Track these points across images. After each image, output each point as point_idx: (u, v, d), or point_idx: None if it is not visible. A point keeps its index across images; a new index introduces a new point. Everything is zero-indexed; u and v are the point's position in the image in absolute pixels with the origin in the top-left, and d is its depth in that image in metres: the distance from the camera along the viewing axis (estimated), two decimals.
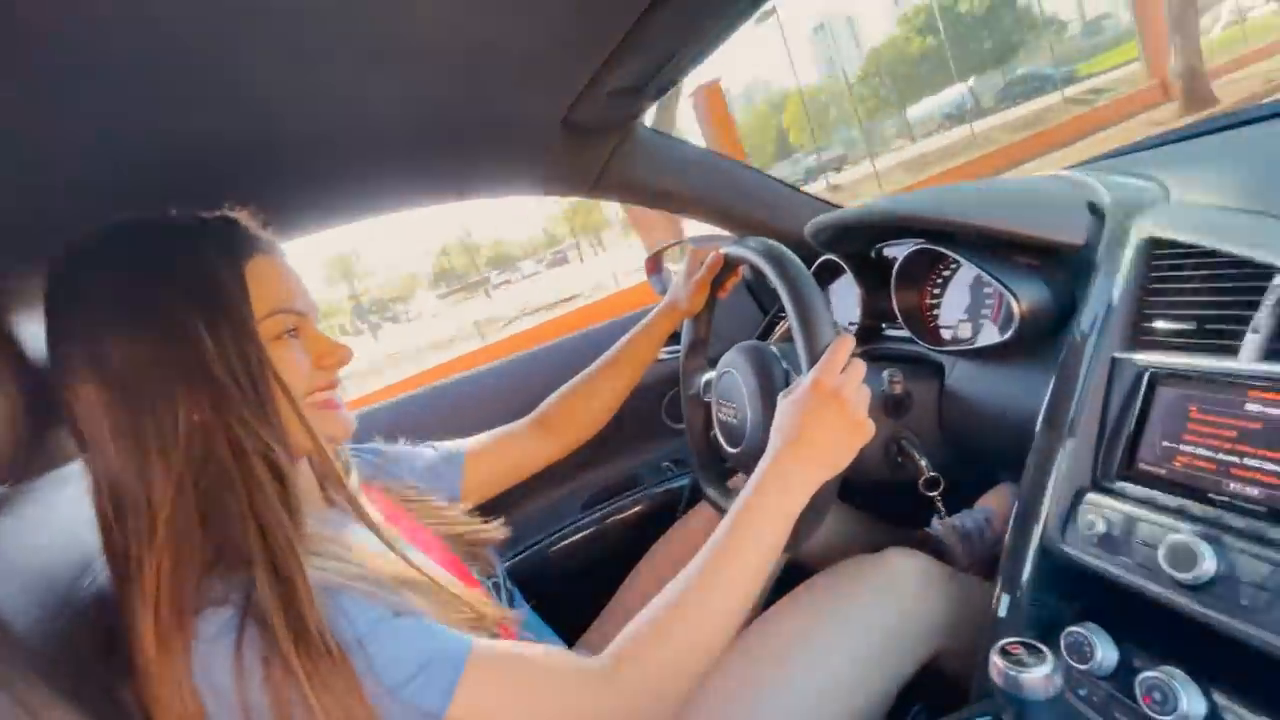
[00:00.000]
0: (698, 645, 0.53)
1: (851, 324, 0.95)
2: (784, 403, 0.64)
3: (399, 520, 0.67)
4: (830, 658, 0.69)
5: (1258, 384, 0.48)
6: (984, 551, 1.12)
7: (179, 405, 0.48)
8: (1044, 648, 0.46)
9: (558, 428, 0.89)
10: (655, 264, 1.32)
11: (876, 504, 1.11)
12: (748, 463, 0.81)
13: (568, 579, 1.12)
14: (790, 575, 0.89)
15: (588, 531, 1.14)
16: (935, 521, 1.16)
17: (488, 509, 0.78)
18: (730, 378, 0.82)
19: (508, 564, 1.10)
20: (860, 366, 0.63)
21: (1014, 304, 0.67)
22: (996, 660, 0.46)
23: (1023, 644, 0.47)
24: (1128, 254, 0.64)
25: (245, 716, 0.44)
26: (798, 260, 0.69)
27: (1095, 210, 0.72)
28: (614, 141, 0.91)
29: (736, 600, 0.55)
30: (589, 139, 0.88)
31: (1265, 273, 0.50)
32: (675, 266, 1.34)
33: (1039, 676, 0.44)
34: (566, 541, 1.13)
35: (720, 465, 0.96)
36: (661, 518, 1.21)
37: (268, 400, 0.51)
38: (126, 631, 0.46)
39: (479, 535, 0.75)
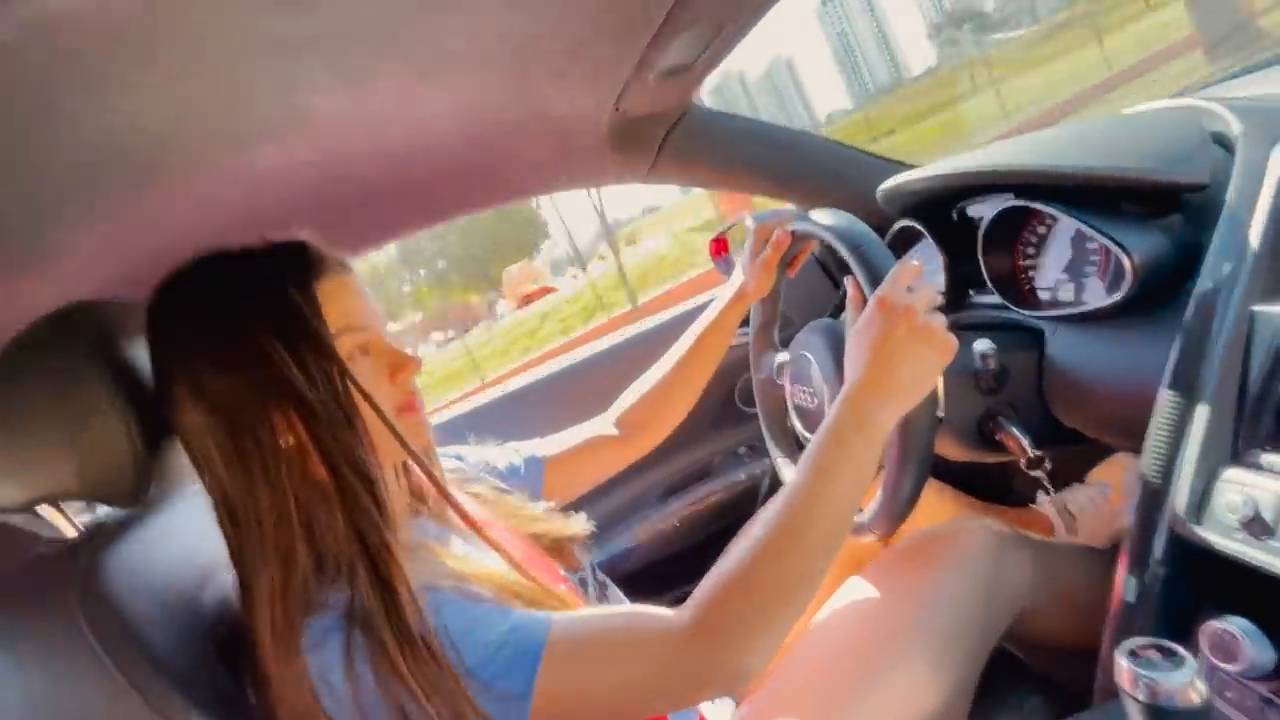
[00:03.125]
0: (783, 591, 0.51)
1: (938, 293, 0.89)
2: (850, 336, 0.59)
3: (481, 521, 0.69)
4: (908, 641, 0.65)
5: None
6: (1102, 527, 1.02)
7: (275, 428, 0.51)
8: (1181, 650, 0.41)
9: (637, 428, 0.88)
10: (721, 246, 1.28)
11: (971, 483, 1.04)
12: None
13: (653, 570, 1.12)
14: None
15: (670, 522, 1.14)
16: (1041, 498, 1.08)
17: (568, 504, 0.79)
18: (804, 360, 0.78)
19: (594, 558, 1.12)
20: (930, 288, 0.57)
21: (1125, 260, 0.60)
22: (1125, 664, 0.41)
23: (1155, 645, 0.42)
24: (1266, 190, 0.55)
25: (361, 715, 0.46)
26: (864, 225, 0.65)
27: (1222, 141, 0.62)
28: (669, 123, 0.88)
29: (821, 546, 0.53)
30: (643, 124, 0.86)
31: None
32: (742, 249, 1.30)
33: (1179, 684, 0.39)
34: (649, 533, 1.13)
35: (798, 451, 0.92)
36: (741, 504, 1.19)
37: (355, 416, 0.53)
38: (249, 635, 0.50)
39: (563, 531, 0.75)
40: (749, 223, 1.27)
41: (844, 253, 0.64)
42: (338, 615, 0.48)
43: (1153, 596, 0.54)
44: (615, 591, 0.78)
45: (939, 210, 0.86)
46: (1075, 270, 0.71)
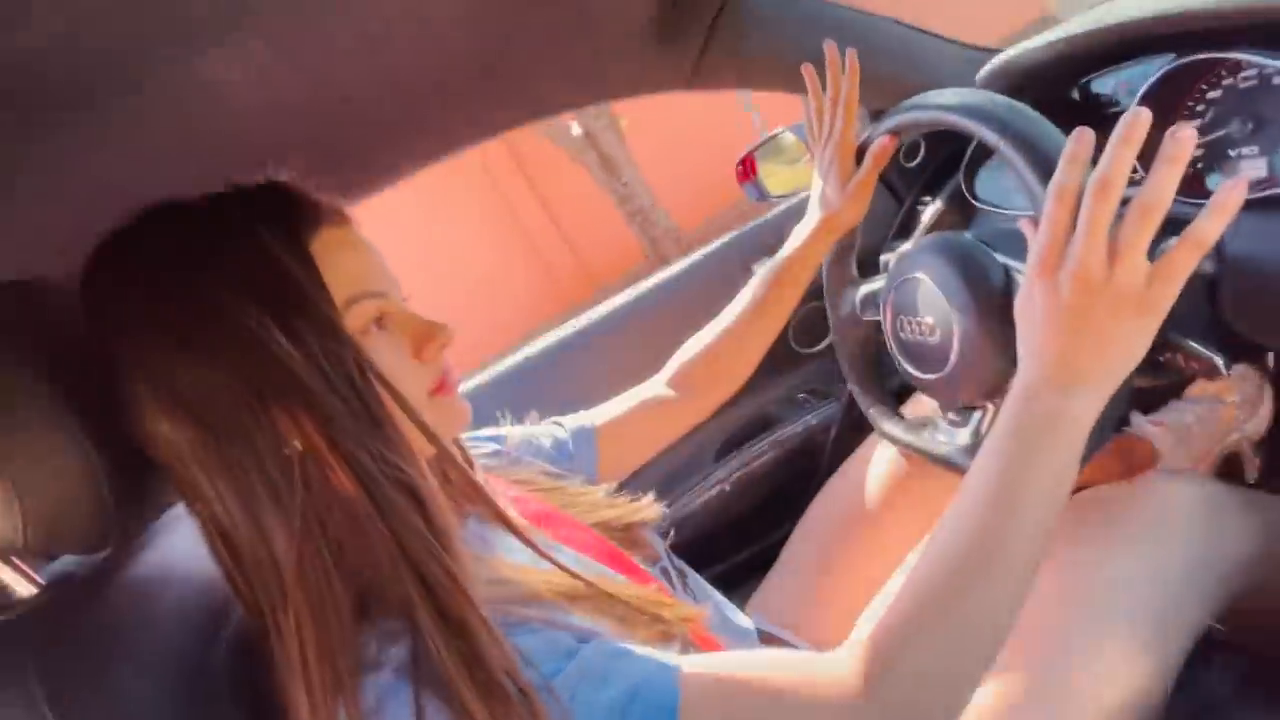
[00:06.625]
0: (979, 631, 0.39)
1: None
2: (1024, 305, 0.44)
3: (540, 516, 0.57)
4: (1113, 624, 0.54)
5: None
6: (1213, 446, 0.92)
7: (277, 434, 0.38)
8: None
9: (699, 386, 0.75)
10: (750, 168, 1.12)
11: None
12: (951, 391, 0.65)
13: (713, 538, 1.01)
14: None
15: (728, 484, 1.02)
16: (1137, 419, 0.97)
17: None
18: (916, 285, 0.64)
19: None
20: (1121, 203, 0.41)
21: None
22: None
23: None
24: None
25: None
26: (1023, 105, 0.51)
27: None
28: (717, 6, 0.71)
29: (1026, 559, 0.41)
30: (691, 8, 0.69)
31: None
32: (771, 166, 1.13)
33: None
34: (707, 497, 1.01)
35: (891, 399, 0.80)
36: (807, 456, 1.07)
37: (378, 409, 0.40)
38: (278, 704, 0.37)
39: (634, 517, 0.64)
40: (788, 135, 1.10)
41: (1005, 149, 0.50)
42: (394, 673, 0.36)
43: None
44: (696, 579, 0.67)
45: (1054, 91, 0.71)
46: (1269, 144, 0.57)
